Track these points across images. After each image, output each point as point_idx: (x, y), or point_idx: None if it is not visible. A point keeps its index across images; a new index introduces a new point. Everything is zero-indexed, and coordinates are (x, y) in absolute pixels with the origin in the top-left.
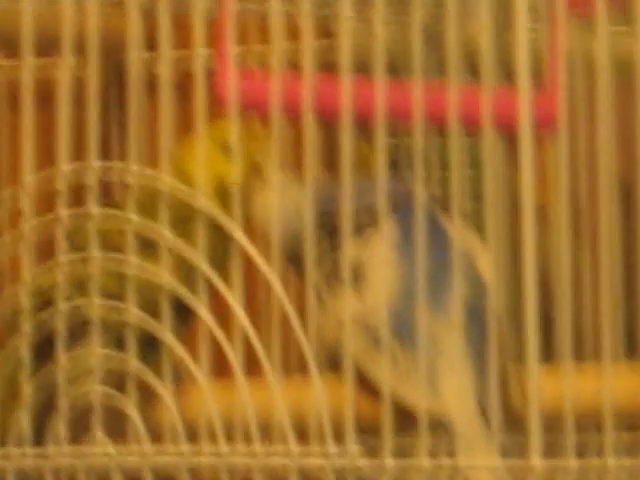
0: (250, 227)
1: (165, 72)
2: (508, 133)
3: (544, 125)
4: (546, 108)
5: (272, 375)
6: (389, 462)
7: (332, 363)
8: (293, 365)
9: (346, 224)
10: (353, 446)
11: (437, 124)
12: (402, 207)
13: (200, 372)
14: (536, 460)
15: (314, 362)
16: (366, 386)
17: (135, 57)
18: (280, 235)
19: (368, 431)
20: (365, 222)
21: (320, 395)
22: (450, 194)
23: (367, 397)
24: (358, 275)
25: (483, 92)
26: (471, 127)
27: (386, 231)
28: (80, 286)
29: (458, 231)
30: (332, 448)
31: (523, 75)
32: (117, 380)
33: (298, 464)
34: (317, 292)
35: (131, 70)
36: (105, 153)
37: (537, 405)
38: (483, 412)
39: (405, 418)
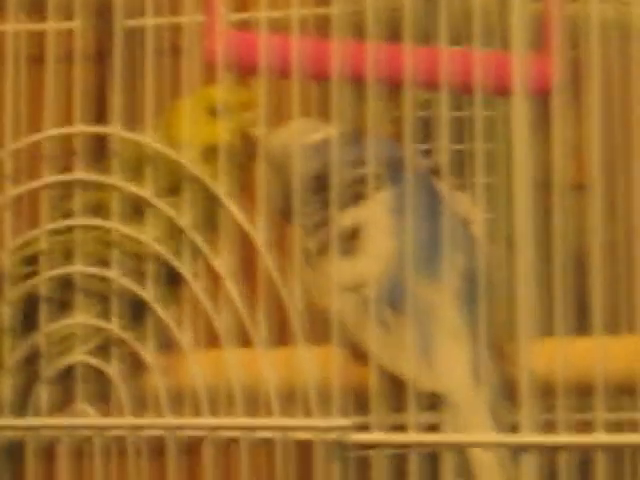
0: (242, 192)
1: (150, 37)
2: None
3: (540, 90)
4: (542, 72)
5: (260, 344)
6: (379, 436)
7: (328, 333)
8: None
9: (340, 190)
10: (341, 419)
11: (431, 89)
12: (400, 174)
13: (185, 341)
14: (529, 435)
15: (302, 331)
16: (361, 357)
17: (121, 21)
18: (278, 197)
19: (363, 404)
20: (362, 188)
21: (308, 366)
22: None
23: (361, 368)
24: (354, 242)
25: (476, 55)
26: (463, 91)
27: (383, 198)
28: (67, 253)
29: (456, 199)
30: (320, 421)
31: (519, 39)
32: (103, 350)
33: (286, 437)
34: (313, 259)
35: (116, 33)
36: (102, 117)
37: (530, 381)
38: (480, 384)
39: (401, 392)
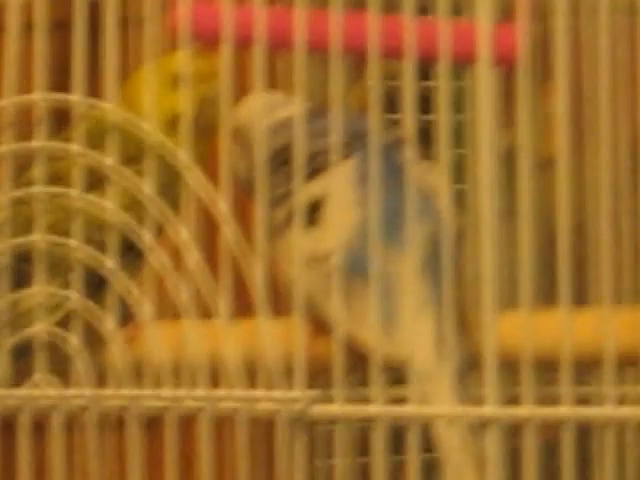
0: (205, 163)
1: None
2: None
3: (503, 60)
4: (506, 42)
5: (223, 316)
6: (340, 408)
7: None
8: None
9: (303, 163)
10: (303, 391)
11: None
12: (364, 146)
13: (147, 313)
14: (490, 408)
15: (264, 303)
16: (324, 330)
17: None
18: (241, 170)
19: (326, 377)
20: (325, 160)
21: (270, 338)
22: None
23: (324, 341)
24: (317, 214)
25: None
26: (428, 61)
27: (346, 170)
28: (26, 224)
29: (420, 170)
30: (282, 393)
31: (484, 8)
32: (64, 321)
33: (247, 409)
34: (275, 230)
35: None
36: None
37: (494, 352)
38: (444, 357)
39: (364, 365)
